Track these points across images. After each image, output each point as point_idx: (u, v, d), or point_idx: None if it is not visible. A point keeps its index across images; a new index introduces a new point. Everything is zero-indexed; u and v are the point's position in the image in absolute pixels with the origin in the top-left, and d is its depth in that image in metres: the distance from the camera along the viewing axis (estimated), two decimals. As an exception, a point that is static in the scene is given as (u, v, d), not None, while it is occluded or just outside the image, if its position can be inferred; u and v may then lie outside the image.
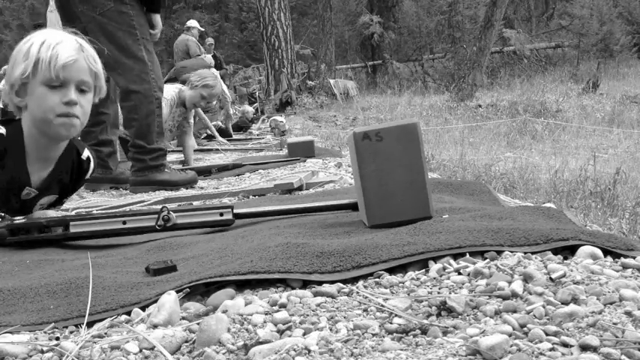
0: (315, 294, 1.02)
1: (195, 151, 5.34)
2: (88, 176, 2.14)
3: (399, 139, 1.41)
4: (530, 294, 0.92)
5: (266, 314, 0.95)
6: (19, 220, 1.68)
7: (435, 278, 1.03)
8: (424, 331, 0.86)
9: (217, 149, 5.87)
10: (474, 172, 4.19)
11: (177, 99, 4.67)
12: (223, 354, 0.85)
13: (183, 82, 4.96)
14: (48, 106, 1.82)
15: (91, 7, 2.98)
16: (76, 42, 1.84)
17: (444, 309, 0.91)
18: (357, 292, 1.01)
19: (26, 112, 1.89)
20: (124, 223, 1.64)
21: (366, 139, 1.41)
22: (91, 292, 1.15)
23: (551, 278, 0.97)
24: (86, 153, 2.09)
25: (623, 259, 1.03)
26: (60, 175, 2.04)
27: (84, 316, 1.06)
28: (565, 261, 1.05)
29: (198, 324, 0.95)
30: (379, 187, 1.42)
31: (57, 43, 1.80)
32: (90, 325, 1.04)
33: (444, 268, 1.06)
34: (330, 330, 0.89)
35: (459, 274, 1.04)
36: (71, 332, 1.04)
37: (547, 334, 0.80)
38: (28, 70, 1.79)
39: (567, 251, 1.10)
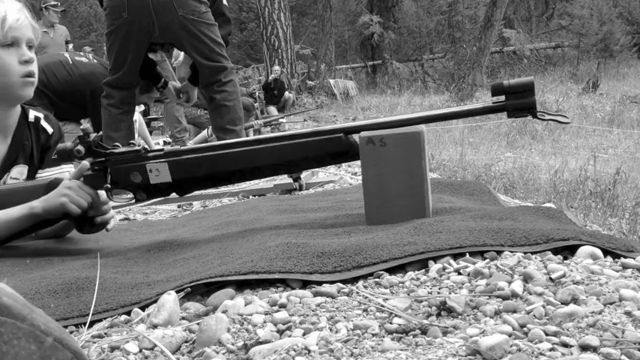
0: (315, 294, 1.02)
1: None
2: (53, 141, 1.97)
3: (402, 145, 1.44)
4: (530, 294, 0.92)
5: (266, 314, 0.95)
6: None
7: (435, 278, 1.03)
8: (424, 331, 0.86)
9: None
10: (474, 172, 4.18)
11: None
12: (223, 354, 0.85)
13: None
14: (7, 68, 1.76)
15: None
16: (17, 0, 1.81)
17: (444, 309, 0.91)
18: (357, 292, 1.01)
19: None
20: None
21: (370, 143, 1.45)
22: (97, 291, 1.16)
23: (551, 278, 0.97)
24: (33, 113, 1.96)
25: (623, 260, 1.03)
26: (23, 143, 1.92)
27: (84, 316, 1.06)
28: (565, 261, 1.05)
29: (198, 324, 0.95)
30: (379, 190, 1.46)
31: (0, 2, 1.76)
32: (90, 325, 1.04)
33: (444, 268, 1.06)
34: (330, 330, 0.89)
35: (459, 274, 1.04)
36: (71, 332, 1.04)
37: (547, 334, 0.80)
38: None
39: (567, 251, 1.10)
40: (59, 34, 7.42)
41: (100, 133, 1.65)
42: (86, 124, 1.65)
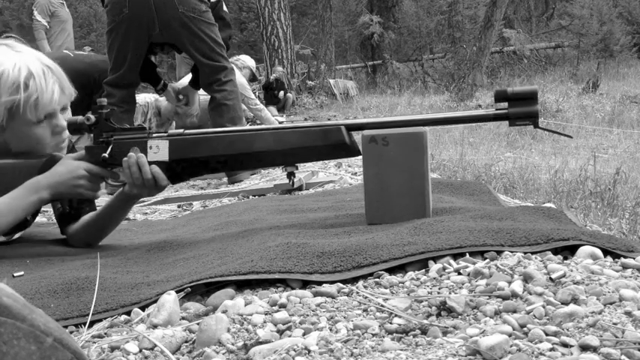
0: (315, 294, 1.02)
1: None
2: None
3: (404, 145, 1.44)
4: (530, 294, 0.92)
5: (266, 314, 0.95)
6: None
7: (435, 278, 1.03)
8: (424, 331, 0.86)
9: None
10: (474, 172, 4.18)
11: (153, 108, 4.64)
12: (223, 354, 0.85)
13: None
14: (42, 141, 1.67)
15: None
16: (41, 64, 1.63)
17: (444, 309, 0.91)
18: (357, 292, 1.01)
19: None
20: None
21: (372, 142, 1.45)
22: (97, 291, 1.16)
23: (551, 278, 0.97)
24: None
25: (623, 260, 1.03)
26: None
27: (84, 316, 1.06)
28: (565, 261, 1.05)
29: (198, 324, 0.95)
30: (380, 189, 1.46)
31: (29, 78, 1.59)
32: (90, 325, 1.04)
33: (444, 268, 1.06)
34: (330, 330, 0.89)
35: (459, 274, 1.04)
36: (71, 332, 1.04)
37: (547, 334, 0.80)
38: (3, 116, 1.60)
39: (567, 251, 1.10)
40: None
41: (114, 107, 1.65)
42: (102, 98, 1.64)
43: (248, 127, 1.60)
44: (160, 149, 1.57)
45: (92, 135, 1.63)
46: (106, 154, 1.58)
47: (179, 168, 1.59)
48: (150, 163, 1.56)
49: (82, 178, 1.59)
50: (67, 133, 1.73)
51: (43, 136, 1.67)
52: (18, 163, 1.65)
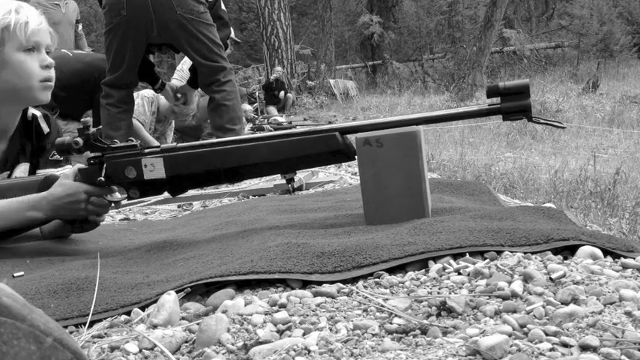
0: (315, 294, 1.02)
1: None
2: (49, 141, 1.96)
3: (398, 146, 1.44)
4: (530, 294, 0.92)
5: (266, 314, 0.95)
6: None
7: (435, 278, 1.03)
8: (424, 332, 0.86)
9: None
10: (474, 172, 4.19)
11: (156, 101, 4.65)
12: (223, 354, 0.85)
13: None
14: (30, 72, 1.76)
15: None
16: (32, 4, 1.83)
17: (444, 309, 0.91)
18: (357, 292, 1.01)
19: None
20: None
21: (366, 144, 1.44)
22: (97, 291, 1.16)
23: (551, 278, 0.97)
24: (31, 111, 1.94)
25: (623, 260, 1.03)
26: (21, 144, 1.92)
27: (84, 316, 1.06)
28: (565, 261, 1.05)
29: (198, 324, 0.95)
30: (377, 191, 1.46)
31: (19, 7, 1.76)
32: (90, 325, 1.04)
33: (444, 268, 1.06)
34: (330, 330, 0.89)
35: (459, 274, 1.04)
36: (71, 332, 1.04)
37: (547, 334, 0.80)
38: None
39: (567, 251, 1.10)
40: (71, 10, 7.14)
41: (100, 127, 1.65)
42: (87, 117, 1.64)
43: (242, 137, 1.59)
44: (155, 167, 1.56)
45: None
46: (102, 177, 1.58)
47: (177, 183, 1.59)
48: (147, 180, 1.57)
49: (83, 201, 1.61)
50: (53, 72, 1.82)
51: (32, 67, 1.77)
52: (14, 183, 1.67)
